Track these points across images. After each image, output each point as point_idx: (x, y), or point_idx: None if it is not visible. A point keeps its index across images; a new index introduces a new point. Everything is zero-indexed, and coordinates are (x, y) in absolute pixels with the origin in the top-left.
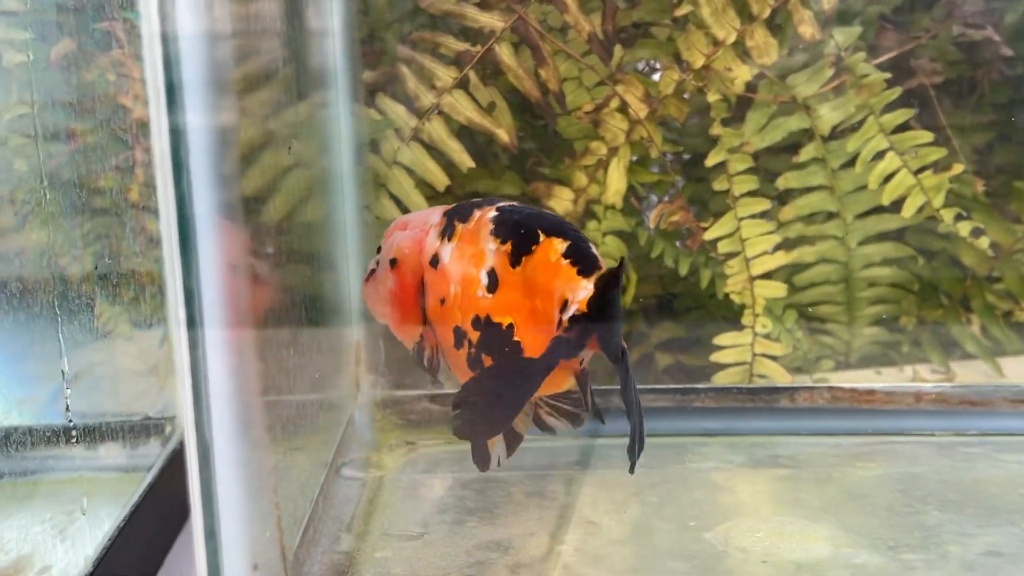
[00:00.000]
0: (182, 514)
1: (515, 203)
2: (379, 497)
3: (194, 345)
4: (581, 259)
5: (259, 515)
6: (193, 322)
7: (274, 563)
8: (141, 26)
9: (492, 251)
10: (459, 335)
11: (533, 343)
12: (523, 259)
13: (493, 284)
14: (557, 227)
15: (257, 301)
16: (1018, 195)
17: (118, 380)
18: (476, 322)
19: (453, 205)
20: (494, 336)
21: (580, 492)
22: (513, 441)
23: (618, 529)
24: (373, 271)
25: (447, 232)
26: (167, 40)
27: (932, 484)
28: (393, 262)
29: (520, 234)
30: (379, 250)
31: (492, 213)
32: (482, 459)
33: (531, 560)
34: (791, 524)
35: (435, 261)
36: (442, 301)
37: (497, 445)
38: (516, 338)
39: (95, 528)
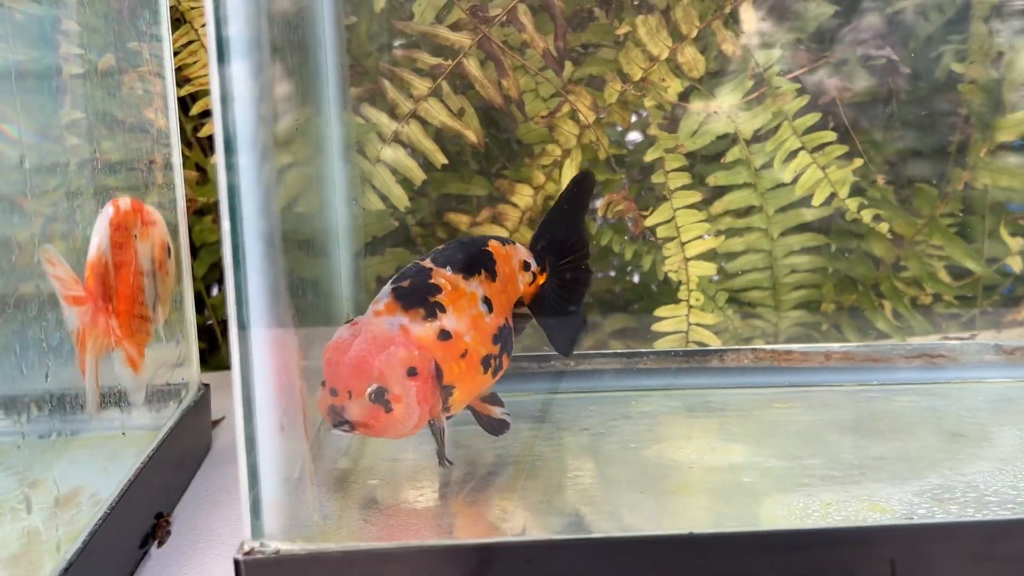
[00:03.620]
0: (193, 460)
1: (423, 261)
2: (368, 441)
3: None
4: (508, 240)
5: (286, 386)
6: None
7: (297, 425)
8: (172, 79)
9: (478, 285)
10: (487, 361)
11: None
12: (496, 270)
13: (490, 306)
14: (485, 238)
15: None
16: (919, 193)
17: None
18: (495, 339)
19: (401, 300)
20: (502, 336)
21: (540, 430)
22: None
23: (571, 451)
24: (383, 409)
25: (432, 312)
26: (226, 100)
27: (836, 417)
28: (413, 371)
29: (484, 260)
30: (341, 416)
31: (447, 271)
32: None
33: (502, 470)
34: (715, 443)
35: (445, 335)
36: (463, 354)
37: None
38: (509, 326)
39: (121, 472)
